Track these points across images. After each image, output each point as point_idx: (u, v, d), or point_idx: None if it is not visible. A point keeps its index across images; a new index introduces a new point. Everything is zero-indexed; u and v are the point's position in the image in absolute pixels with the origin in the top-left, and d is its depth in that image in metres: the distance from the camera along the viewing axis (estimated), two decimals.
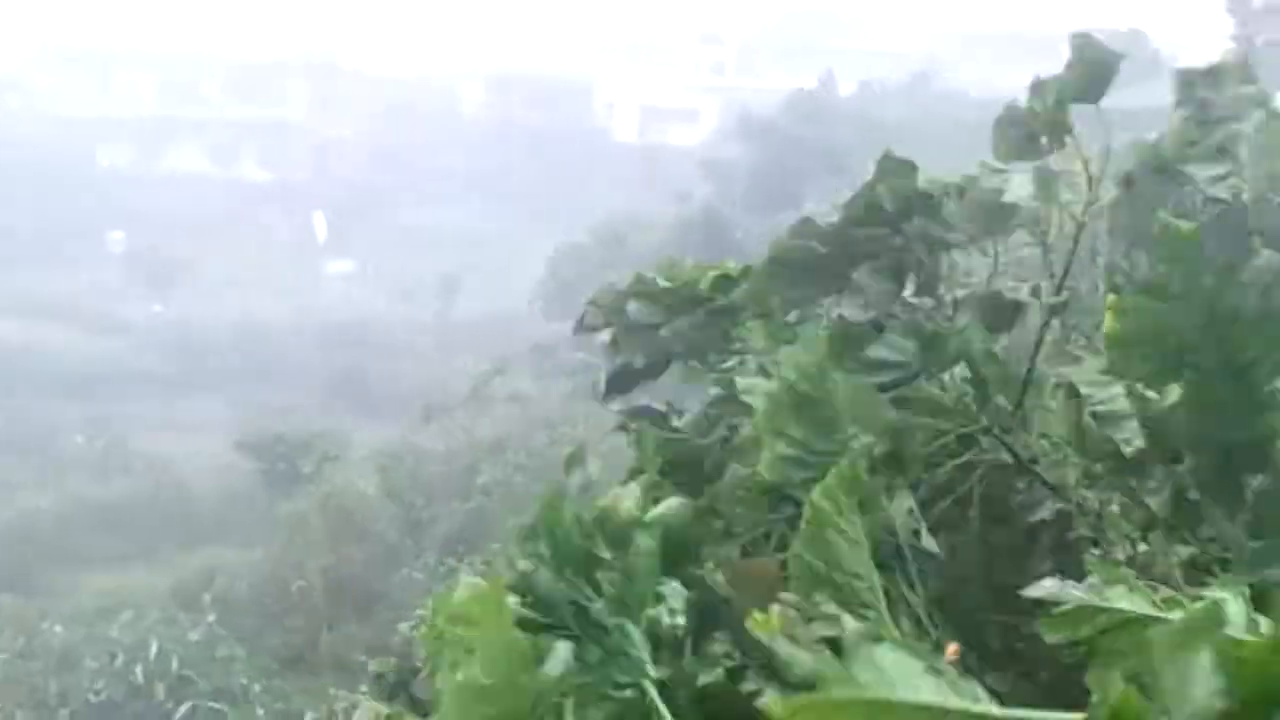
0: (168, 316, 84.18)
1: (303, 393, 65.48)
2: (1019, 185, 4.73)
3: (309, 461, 51.34)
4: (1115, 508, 4.30)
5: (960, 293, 4.86)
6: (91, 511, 52.06)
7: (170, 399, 68.27)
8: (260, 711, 31.34)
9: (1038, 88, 4.87)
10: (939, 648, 4.07)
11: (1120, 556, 4.10)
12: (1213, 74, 4.93)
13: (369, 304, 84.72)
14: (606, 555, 3.49)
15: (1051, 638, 3.08)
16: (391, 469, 47.18)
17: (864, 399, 4.13)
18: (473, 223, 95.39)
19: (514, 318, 68.10)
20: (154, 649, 32.22)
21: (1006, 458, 4.57)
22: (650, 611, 3.54)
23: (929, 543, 4.09)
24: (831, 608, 3.12)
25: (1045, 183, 4.68)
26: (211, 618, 34.92)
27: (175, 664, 32.03)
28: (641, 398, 5.23)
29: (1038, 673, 4.17)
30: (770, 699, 2.76)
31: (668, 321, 5.08)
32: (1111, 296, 4.03)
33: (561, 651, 3.52)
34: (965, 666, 4.03)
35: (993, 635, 4.37)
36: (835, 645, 2.80)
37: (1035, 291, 4.79)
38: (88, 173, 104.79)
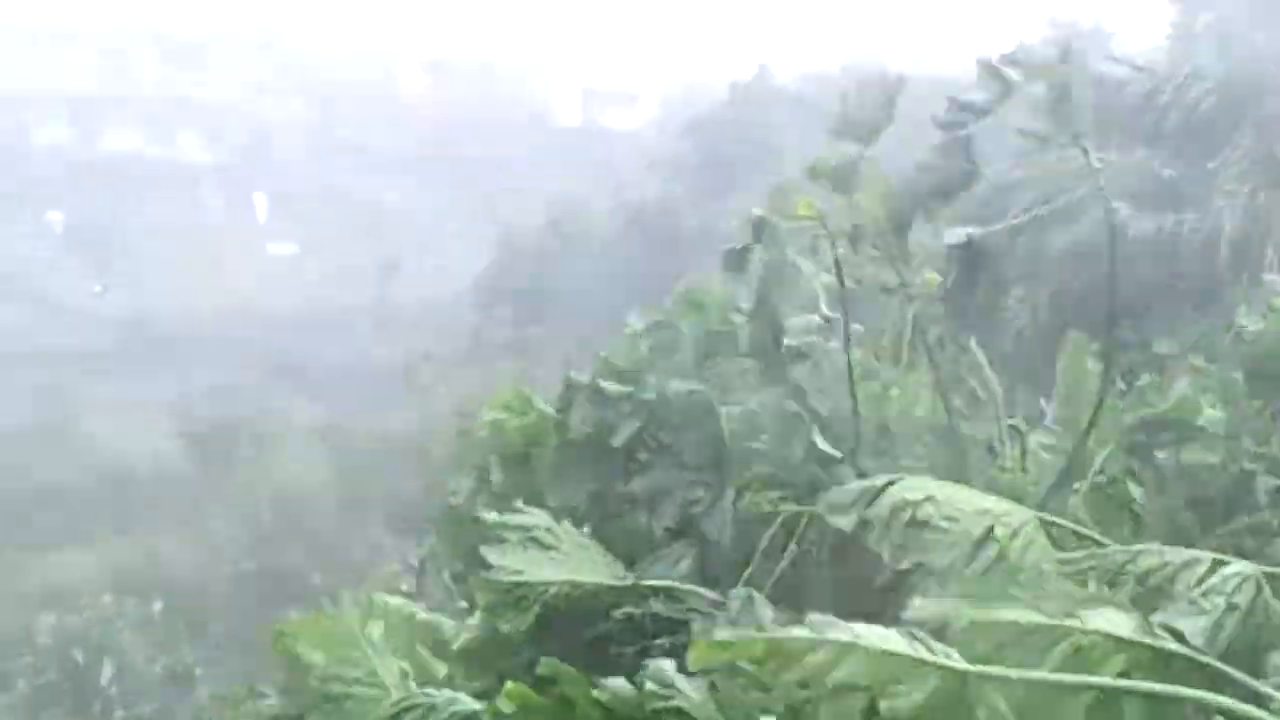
0: (108, 297, 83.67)
1: (243, 374, 65.26)
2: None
3: (248, 444, 51.34)
4: None
5: None
6: (32, 493, 51.84)
7: (110, 380, 67.90)
8: (204, 693, 31.50)
9: None
10: None
11: None
12: None
13: (309, 287, 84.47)
14: None
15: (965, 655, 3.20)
16: (331, 452, 47.31)
17: None
18: (413, 205, 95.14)
19: (453, 301, 68.05)
20: (96, 632, 32.33)
21: None
22: None
23: None
24: None
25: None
26: (157, 604, 35.00)
27: (117, 647, 32.12)
28: None
29: None
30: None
31: None
32: None
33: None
34: None
35: None
36: None
37: None
38: (24, 152, 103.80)
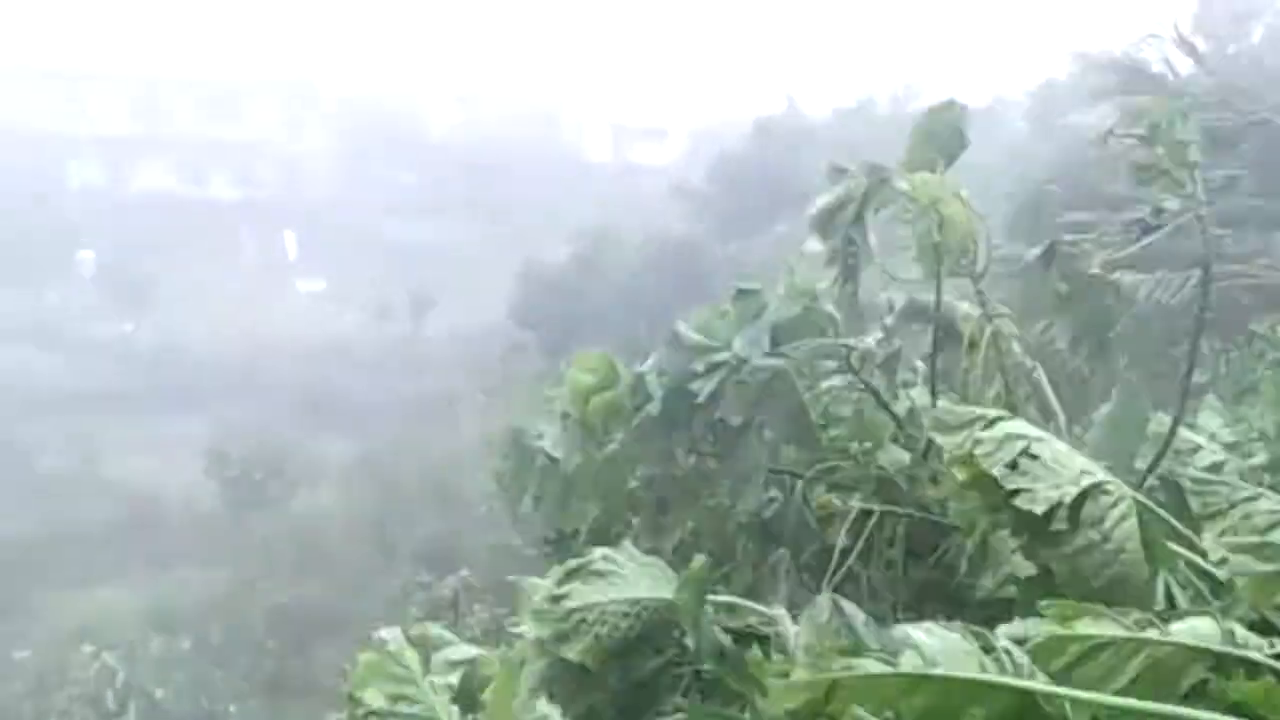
0: (139, 336, 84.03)
1: (274, 412, 65.39)
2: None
3: (280, 482, 51.43)
4: None
5: None
6: (64, 533, 51.97)
7: (142, 419, 68.10)
8: None
9: None
10: None
11: None
12: None
13: (340, 322, 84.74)
14: None
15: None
16: (362, 488, 47.29)
17: None
18: (443, 241, 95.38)
19: (484, 336, 68.13)
20: (124, 673, 32.28)
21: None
22: None
23: None
24: None
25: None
26: (186, 642, 34.98)
27: (148, 687, 32.09)
28: None
29: None
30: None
31: None
32: None
33: None
34: None
35: None
36: None
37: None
38: (57, 192, 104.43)
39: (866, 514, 5.08)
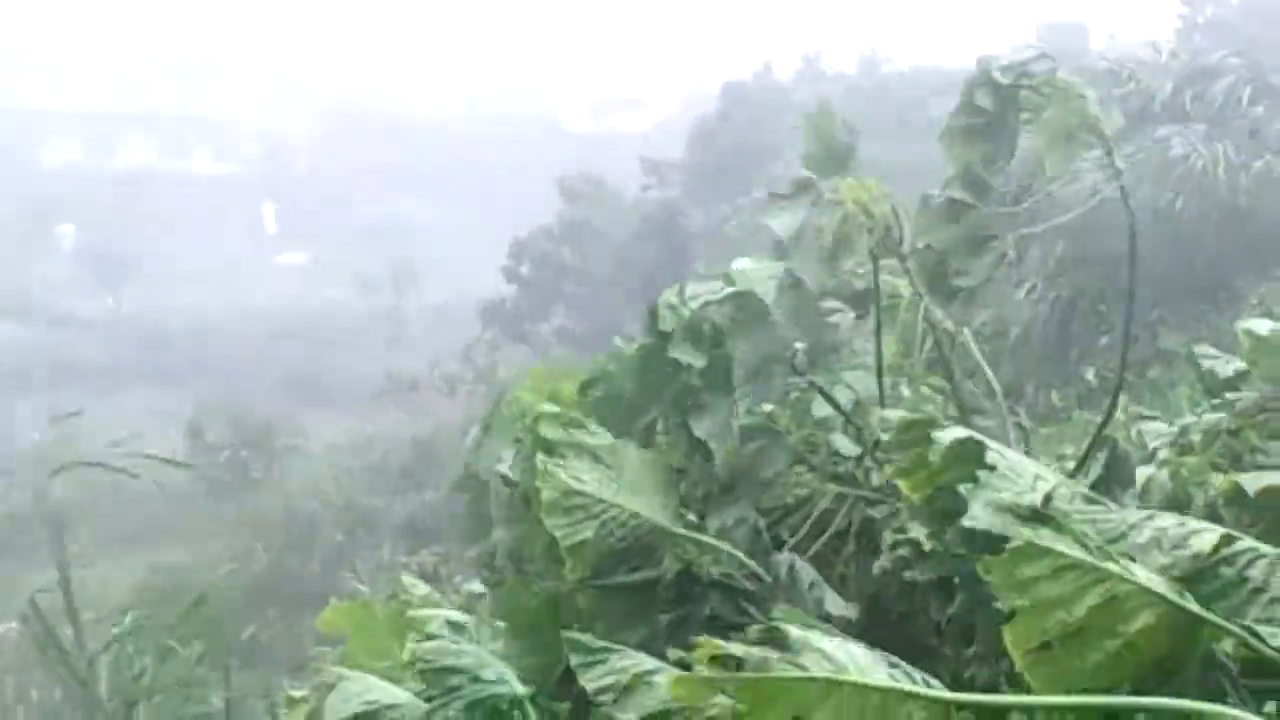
0: (120, 311, 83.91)
1: (256, 385, 65.37)
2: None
3: (262, 456, 51.38)
4: None
5: None
6: (45, 510, 51.82)
7: (123, 394, 68.02)
8: (217, 702, 31.37)
9: None
10: None
11: None
12: None
13: (321, 296, 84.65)
14: None
15: (996, 578, 3.20)
16: (345, 462, 47.25)
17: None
18: (423, 214, 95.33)
19: (466, 309, 68.08)
20: (108, 646, 32.21)
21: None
22: None
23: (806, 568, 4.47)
24: None
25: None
26: (167, 617, 34.92)
27: (130, 661, 32.03)
28: None
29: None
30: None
31: None
32: None
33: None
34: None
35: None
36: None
37: None
38: (36, 168, 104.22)
39: (830, 508, 5.09)
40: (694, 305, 5.07)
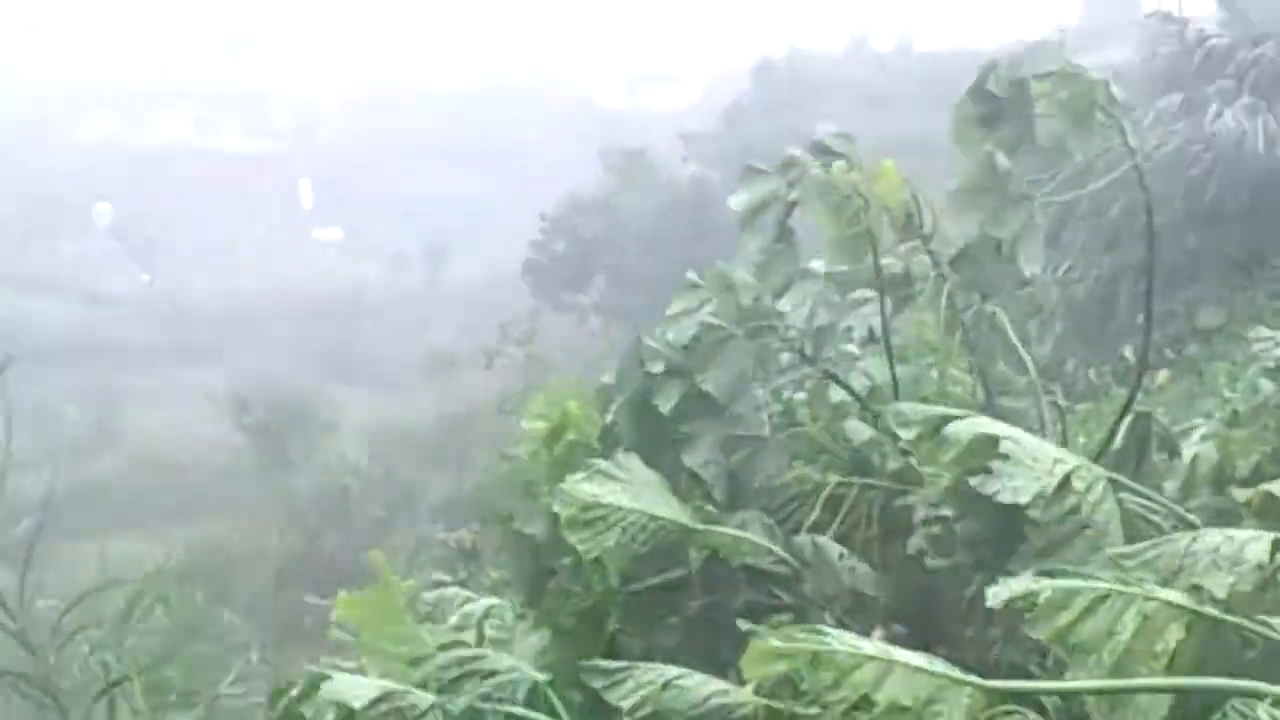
0: (155, 287, 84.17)
1: (292, 362, 65.50)
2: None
3: (300, 432, 51.52)
4: None
5: None
6: (83, 485, 52.08)
7: (159, 371, 68.29)
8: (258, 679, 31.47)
9: None
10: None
11: None
12: None
13: (357, 272, 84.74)
14: None
15: (1043, 632, 3.32)
16: (380, 440, 47.35)
17: None
18: (458, 189, 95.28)
19: (503, 284, 68.07)
20: (146, 622, 32.34)
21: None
22: None
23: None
24: None
25: None
26: (204, 592, 35.03)
27: (169, 636, 32.17)
28: None
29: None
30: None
31: None
32: None
33: None
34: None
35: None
36: None
37: None
38: (71, 144, 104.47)
39: (840, 494, 5.13)
40: (671, 339, 5.13)
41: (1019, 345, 5.53)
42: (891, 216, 5.29)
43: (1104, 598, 3.30)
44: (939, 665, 3.06)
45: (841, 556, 4.82)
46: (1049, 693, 3.08)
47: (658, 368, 5.11)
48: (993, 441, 3.95)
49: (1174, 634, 3.30)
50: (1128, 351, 21.00)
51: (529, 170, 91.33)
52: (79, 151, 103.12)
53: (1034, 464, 3.92)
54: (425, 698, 4.27)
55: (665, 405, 5.04)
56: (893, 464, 5.11)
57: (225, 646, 32.43)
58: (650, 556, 4.63)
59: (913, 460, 4.84)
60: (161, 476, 53.35)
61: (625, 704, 3.72)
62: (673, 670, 3.82)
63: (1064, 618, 3.29)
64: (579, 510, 4.51)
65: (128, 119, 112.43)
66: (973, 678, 3.01)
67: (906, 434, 4.24)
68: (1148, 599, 3.31)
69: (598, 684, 3.76)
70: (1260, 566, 3.44)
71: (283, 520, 41.57)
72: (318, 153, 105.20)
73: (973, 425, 4.11)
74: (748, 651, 2.96)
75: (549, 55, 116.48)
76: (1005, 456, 3.89)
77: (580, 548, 4.54)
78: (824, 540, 4.87)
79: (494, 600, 5.43)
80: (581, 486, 4.56)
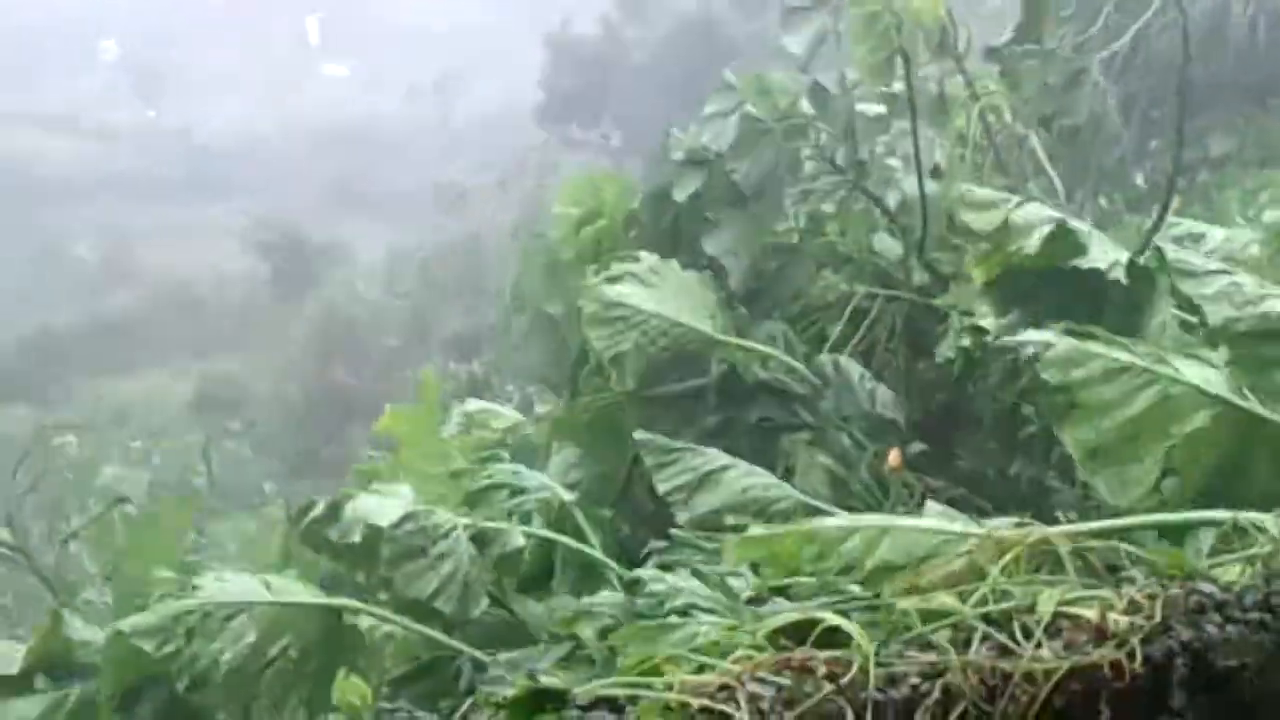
0: (162, 124, 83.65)
1: (303, 198, 65.29)
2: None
3: (312, 265, 51.53)
4: None
5: None
6: (99, 321, 52.29)
7: (170, 207, 68.15)
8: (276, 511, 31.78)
9: None
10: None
11: None
12: None
13: (367, 107, 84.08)
14: None
15: (1053, 376, 3.32)
16: (394, 274, 47.35)
17: None
18: (466, 23, 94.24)
19: (516, 117, 67.58)
20: (160, 457, 32.69)
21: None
22: None
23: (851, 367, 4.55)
24: None
25: None
26: (234, 423, 35.31)
27: (188, 469, 32.51)
28: None
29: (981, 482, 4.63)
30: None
31: None
32: None
33: None
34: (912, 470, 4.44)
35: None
36: None
37: None
38: None
39: (864, 308, 5.12)
40: (706, 140, 5.10)
41: (1048, 167, 5.54)
42: (926, 35, 5.26)
43: (1124, 369, 3.31)
44: (939, 516, 3.07)
45: (862, 378, 4.81)
46: (1061, 535, 3.07)
47: (679, 156, 5.10)
48: (1071, 236, 3.99)
49: (1197, 420, 3.29)
50: (1139, 178, 20.88)
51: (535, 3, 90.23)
52: None
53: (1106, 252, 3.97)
54: (452, 518, 4.27)
55: (681, 194, 5.03)
56: (919, 278, 5.11)
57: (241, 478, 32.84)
58: (671, 363, 4.65)
59: (942, 269, 4.86)
60: (176, 312, 53.45)
61: (666, 485, 3.75)
62: (721, 459, 3.85)
63: (1076, 374, 3.30)
64: (601, 308, 4.53)
65: None
66: (973, 528, 2.98)
67: (973, 218, 4.24)
68: (1175, 381, 3.30)
69: (650, 460, 3.79)
70: (1267, 315, 3.46)
71: (297, 353, 41.70)
72: None
73: (1042, 211, 4.14)
74: (738, 541, 3.01)
75: None
76: (1083, 245, 3.94)
77: (598, 345, 4.58)
78: (846, 361, 4.84)
79: (519, 416, 5.48)
80: (606, 286, 4.57)
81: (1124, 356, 3.33)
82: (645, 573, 3.31)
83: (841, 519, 3.03)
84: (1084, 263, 3.97)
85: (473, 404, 5.70)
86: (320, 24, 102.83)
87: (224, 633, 3.95)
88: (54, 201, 66.69)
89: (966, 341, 4.66)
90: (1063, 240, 4.03)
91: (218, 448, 33.77)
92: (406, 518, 4.21)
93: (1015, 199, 4.33)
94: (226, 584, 4.10)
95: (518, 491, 4.51)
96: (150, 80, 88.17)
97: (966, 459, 4.75)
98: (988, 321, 4.35)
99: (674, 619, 3.01)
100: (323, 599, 4.22)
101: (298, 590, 4.21)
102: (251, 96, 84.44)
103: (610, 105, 59.43)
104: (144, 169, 74.29)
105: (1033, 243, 4.06)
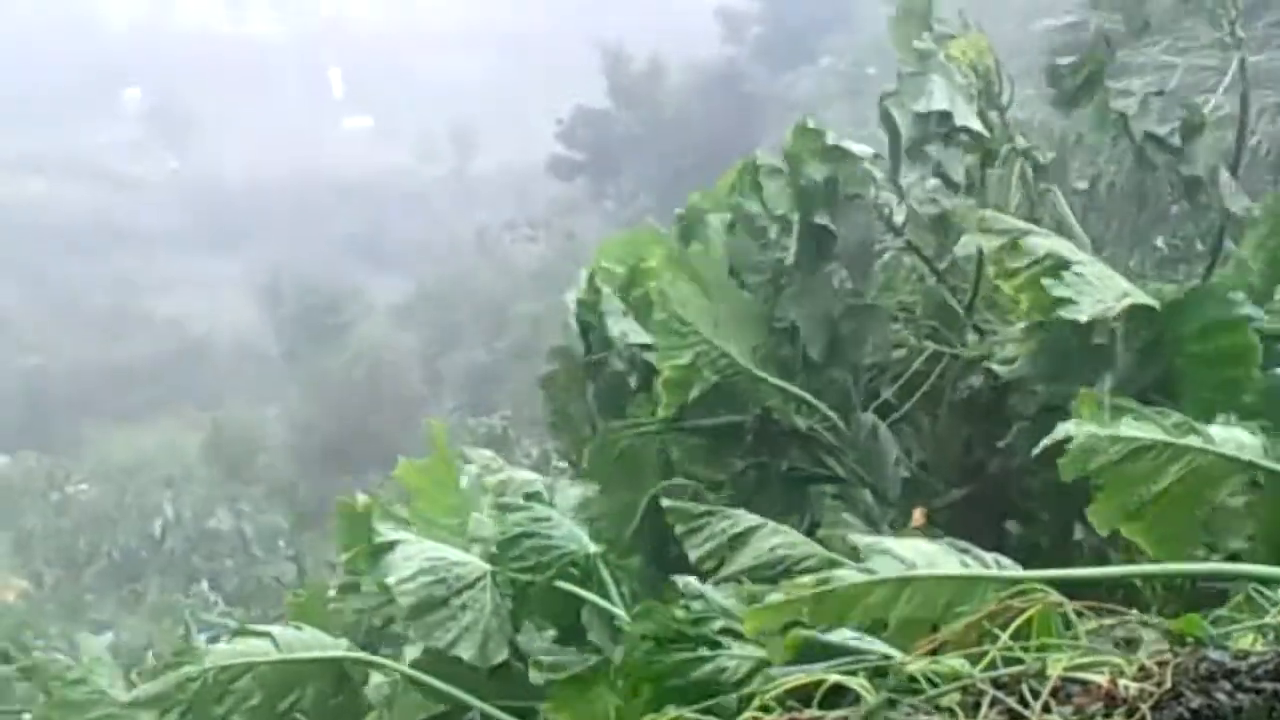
0: (184, 174, 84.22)
1: (323, 248, 65.66)
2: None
3: (330, 318, 51.71)
4: None
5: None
6: (113, 369, 52.44)
7: (188, 256, 68.49)
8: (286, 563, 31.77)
9: None
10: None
11: None
12: None
13: (387, 159, 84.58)
14: None
15: (1069, 474, 3.21)
16: (411, 323, 47.46)
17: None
18: (488, 76, 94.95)
19: (529, 171, 67.95)
20: (171, 508, 32.61)
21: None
22: None
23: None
24: None
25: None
26: (236, 475, 35.34)
27: (198, 519, 32.44)
28: None
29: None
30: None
31: None
32: None
33: None
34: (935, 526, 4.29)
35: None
36: None
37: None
38: (101, 29, 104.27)
39: (923, 369, 5.07)
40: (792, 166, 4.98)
41: (1073, 222, 5.45)
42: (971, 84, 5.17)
43: (1148, 448, 3.20)
44: (955, 563, 2.99)
45: (897, 461, 4.70)
46: (1086, 582, 2.98)
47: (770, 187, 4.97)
48: (1062, 262, 3.91)
49: (1232, 485, 3.22)
50: (1158, 240, 20.78)
51: (560, 52, 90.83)
52: (109, 36, 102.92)
53: (1103, 286, 3.88)
54: (479, 565, 4.22)
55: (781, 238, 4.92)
56: (971, 339, 5.03)
57: (256, 527, 32.66)
58: (712, 393, 4.57)
59: (985, 326, 4.83)
60: (189, 360, 53.63)
61: (697, 553, 3.64)
62: (747, 521, 3.72)
63: (1096, 462, 3.20)
64: (669, 317, 4.50)
65: (159, 3, 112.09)
66: (998, 571, 2.92)
67: (988, 242, 4.18)
68: (1204, 451, 3.20)
69: (680, 527, 3.66)
70: None
71: (313, 405, 41.73)
72: (347, 38, 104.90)
73: (1051, 241, 4.06)
74: (748, 615, 2.88)
75: None
76: (1078, 273, 3.85)
77: (660, 350, 4.54)
78: (885, 433, 4.75)
79: (533, 474, 5.38)
80: (677, 286, 4.55)
81: (1147, 433, 3.22)
82: (690, 583, 3.17)
83: (858, 572, 2.93)
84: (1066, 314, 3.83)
85: (486, 454, 5.59)
86: (343, 76, 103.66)
87: (229, 696, 3.94)
88: (71, 249, 67.01)
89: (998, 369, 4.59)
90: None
91: (228, 496, 33.73)
92: (423, 570, 4.16)
93: (1030, 227, 4.26)
94: (234, 646, 4.04)
95: (543, 547, 4.41)
96: (173, 130, 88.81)
97: (1021, 525, 4.65)
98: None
99: (704, 650, 2.96)
100: (330, 652, 4.16)
101: (310, 642, 4.15)
102: (273, 148, 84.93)
103: (629, 159, 59.64)
104: (163, 218, 74.76)
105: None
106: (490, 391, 37.44)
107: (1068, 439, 3.20)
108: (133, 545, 32.29)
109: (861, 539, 3.02)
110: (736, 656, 2.93)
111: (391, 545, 4.29)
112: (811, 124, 5.09)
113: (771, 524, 3.65)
